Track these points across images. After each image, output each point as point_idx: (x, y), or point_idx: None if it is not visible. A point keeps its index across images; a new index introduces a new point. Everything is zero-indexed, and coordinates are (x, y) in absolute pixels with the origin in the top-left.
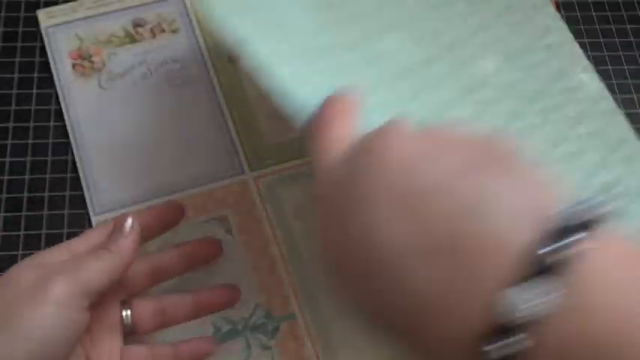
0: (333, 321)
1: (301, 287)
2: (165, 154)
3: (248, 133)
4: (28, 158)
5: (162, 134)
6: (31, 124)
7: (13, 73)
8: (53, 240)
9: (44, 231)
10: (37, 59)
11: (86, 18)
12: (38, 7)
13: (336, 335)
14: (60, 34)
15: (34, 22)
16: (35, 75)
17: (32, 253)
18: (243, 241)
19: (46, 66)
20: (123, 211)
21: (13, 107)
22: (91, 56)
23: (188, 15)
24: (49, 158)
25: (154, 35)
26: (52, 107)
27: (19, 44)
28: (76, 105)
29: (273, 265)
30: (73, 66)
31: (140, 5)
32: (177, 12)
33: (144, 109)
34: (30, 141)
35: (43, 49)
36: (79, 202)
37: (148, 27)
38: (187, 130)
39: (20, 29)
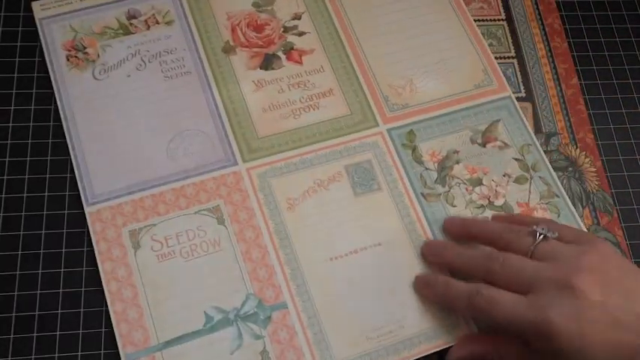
0: (324, 310)
1: (292, 277)
2: (159, 145)
3: (242, 124)
4: (28, 158)
5: (157, 125)
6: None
7: (12, 72)
8: (52, 240)
9: (44, 231)
10: (37, 59)
11: (80, 10)
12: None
13: (327, 324)
14: (54, 25)
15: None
16: (35, 74)
17: (31, 253)
18: (235, 232)
19: (43, 66)
20: (116, 201)
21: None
22: (85, 48)
23: (182, 7)
24: (49, 158)
25: (148, 27)
26: (52, 107)
27: (18, 44)
28: (71, 96)
29: (264, 255)
30: (67, 57)
31: None
32: (171, 3)
33: (138, 100)
34: (30, 141)
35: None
36: (79, 202)
37: (143, 19)
38: (182, 121)
39: (20, 28)
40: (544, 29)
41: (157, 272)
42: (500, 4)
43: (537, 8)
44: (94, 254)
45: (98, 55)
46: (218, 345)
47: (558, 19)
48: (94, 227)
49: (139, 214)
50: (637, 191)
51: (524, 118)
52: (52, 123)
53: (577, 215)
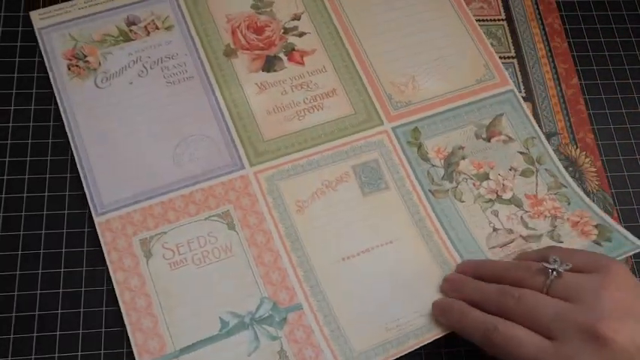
0: (340, 308)
1: (306, 278)
2: (165, 151)
3: (247, 128)
4: (28, 158)
5: (161, 132)
6: (31, 123)
7: (12, 72)
8: (52, 240)
9: (44, 231)
10: (37, 59)
11: (79, 18)
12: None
13: (344, 320)
14: (54, 34)
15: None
16: (35, 74)
17: (31, 253)
18: (246, 237)
19: (43, 66)
20: (125, 211)
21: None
22: (85, 56)
23: (181, 11)
24: (49, 158)
25: (148, 33)
26: (52, 107)
27: (18, 43)
28: (73, 105)
29: (276, 259)
30: (69, 67)
31: (133, 3)
32: (170, 8)
33: (141, 107)
34: (30, 140)
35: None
36: (79, 202)
37: (142, 25)
38: (186, 126)
39: (20, 29)
40: (544, 29)
41: (169, 280)
42: (500, 4)
43: (537, 8)
44: (93, 254)
45: (99, 64)
46: (235, 348)
47: (558, 19)
48: (104, 237)
49: (149, 222)
50: (637, 191)
51: (528, 112)
52: (52, 123)
53: (587, 200)
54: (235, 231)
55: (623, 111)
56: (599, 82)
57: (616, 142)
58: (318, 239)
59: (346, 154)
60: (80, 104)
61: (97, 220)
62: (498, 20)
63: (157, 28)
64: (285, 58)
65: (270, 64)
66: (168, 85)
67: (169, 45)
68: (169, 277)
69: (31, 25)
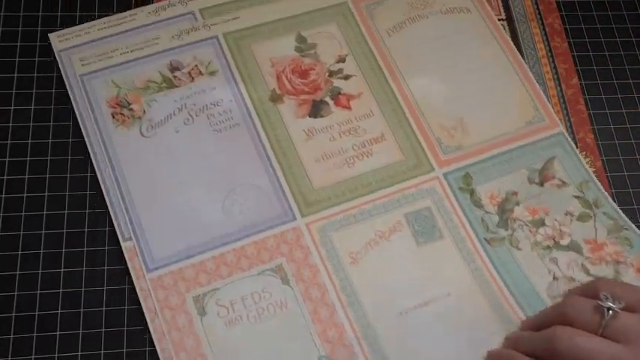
0: None
1: (364, 335)
2: (214, 203)
3: (296, 176)
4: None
5: (209, 182)
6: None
7: (12, 72)
8: (52, 240)
9: (44, 231)
10: (37, 59)
11: (121, 64)
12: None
13: None
14: (95, 81)
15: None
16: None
17: (31, 253)
18: (301, 291)
19: (43, 66)
20: (177, 266)
21: (50, 158)
22: (129, 104)
23: (225, 55)
24: (49, 158)
25: (192, 79)
26: (52, 107)
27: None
28: (120, 156)
29: (332, 314)
30: (113, 115)
31: (174, 48)
32: (213, 53)
33: (188, 156)
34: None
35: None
36: (79, 201)
37: (186, 70)
38: (234, 176)
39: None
40: (544, 29)
41: (225, 339)
42: (501, 3)
43: (537, 8)
44: (93, 254)
45: (144, 111)
46: None
47: (558, 19)
48: (156, 295)
49: (202, 278)
50: (637, 191)
51: (579, 154)
52: (52, 123)
53: None
54: (290, 286)
55: (623, 111)
56: (599, 82)
57: (616, 142)
58: (373, 293)
59: (398, 202)
60: (127, 155)
61: (148, 276)
62: (498, 20)
63: (201, 73)
64: (331, 103)
65: (316, 110)
66: (214, 133)
67: (214, 91)
68: (225, 336)
69: (32, 25)
